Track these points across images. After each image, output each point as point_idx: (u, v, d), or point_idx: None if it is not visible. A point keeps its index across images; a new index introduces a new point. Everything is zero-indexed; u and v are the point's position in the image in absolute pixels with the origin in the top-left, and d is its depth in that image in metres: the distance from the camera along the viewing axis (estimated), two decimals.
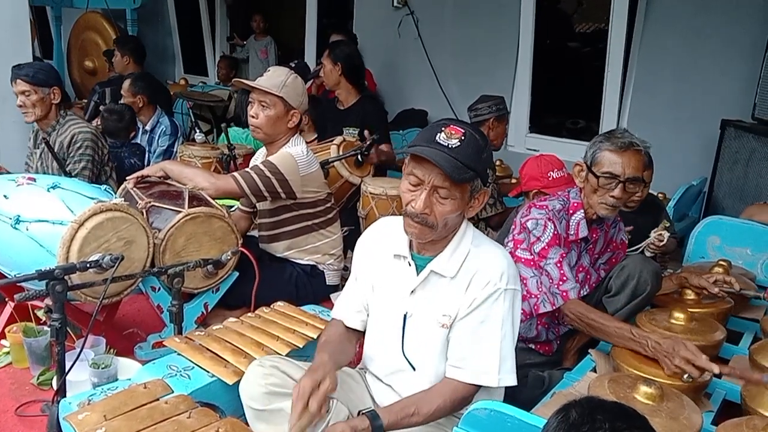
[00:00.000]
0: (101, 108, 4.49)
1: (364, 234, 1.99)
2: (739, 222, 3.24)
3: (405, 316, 1.80)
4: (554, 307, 2.28)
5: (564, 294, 2.27)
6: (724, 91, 4.42)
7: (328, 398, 1.67)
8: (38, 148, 3.41)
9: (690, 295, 2.50)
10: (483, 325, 1.72)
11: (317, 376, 1.64)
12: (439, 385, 1.74)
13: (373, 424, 1.61)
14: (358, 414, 1.66)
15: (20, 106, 3.24)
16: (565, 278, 2.28)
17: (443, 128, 1.65)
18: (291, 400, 1.66)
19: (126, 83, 4.54)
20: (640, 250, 2.88)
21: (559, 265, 2.29)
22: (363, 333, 1.96)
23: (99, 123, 4.27)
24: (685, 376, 1.90)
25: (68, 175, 3.20)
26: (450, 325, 1.75)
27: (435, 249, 1.78)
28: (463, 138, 1.63)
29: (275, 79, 2.85)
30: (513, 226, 2.46)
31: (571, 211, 2.40)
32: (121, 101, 4.52)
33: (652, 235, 2.89)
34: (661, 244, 2.87)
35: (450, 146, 1.62)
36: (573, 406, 1.16)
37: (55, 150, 3.26)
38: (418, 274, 1.79)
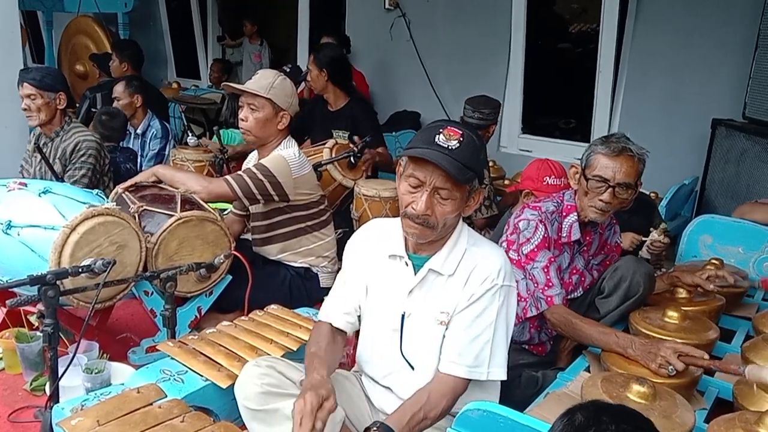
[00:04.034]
0: (97, 110, 4.43)
1: (353, 236, 1.98)
2: (731, 221, 3.25)
3: (403, 316, 1.80)
4: (539, 312, 2.30)
5: (548, 299, 2.28)
6: (715, 91, 4.45)
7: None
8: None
9: (682, 293, 2.50)
10: (478, 320, 1.74)
11: (322, 394, 1.58)
12: (438, 385, 1.73)
13: None
14: (366, 430, 1.63)
15: (25, 110, 3.23)
16: (550, 284, 2.29)
17: (441, 130, 1.66)
18: (287, 400, 1.65)
19: (119, 86, 4.44)
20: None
21: (546, 270, 2.30)
22: (348, 334, 1.94)
23: (91, 128, 4.23)
24: (669, 367, 1.90)
25: (61, 181, 3.18)
26: (448, 321, 1.76)
27: (432, 248, 1.78)
28: (461, 139, 1.65)
29: (263, 81, 2.86)
30: (506, 227, 2.47)
31: (564, 214, 2.40)
32: (114, 106, 4.47)
33: (652, 235, 2.91)
34: (660, 246, 2.89)
35: (450, 148, 1.63)
36: (578, 409, 1.17)
37: (58, 155, 3.26)
38: (415, 274, 1.79)
